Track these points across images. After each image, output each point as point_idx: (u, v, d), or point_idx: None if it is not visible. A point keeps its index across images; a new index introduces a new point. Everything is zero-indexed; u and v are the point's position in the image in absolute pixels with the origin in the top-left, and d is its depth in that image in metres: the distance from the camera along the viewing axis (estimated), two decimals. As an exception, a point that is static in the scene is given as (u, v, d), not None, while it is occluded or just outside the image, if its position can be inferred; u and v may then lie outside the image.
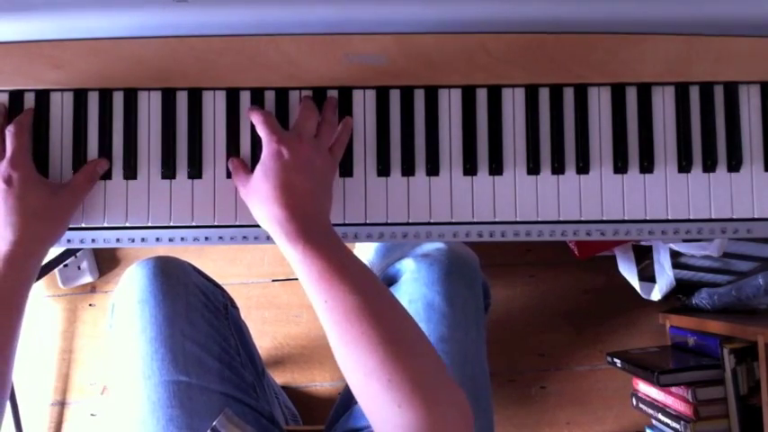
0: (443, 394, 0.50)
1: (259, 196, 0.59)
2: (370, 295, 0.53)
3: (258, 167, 0.60)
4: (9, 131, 0.62)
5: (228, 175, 0.65)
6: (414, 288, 0.73)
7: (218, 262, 1.25)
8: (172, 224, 0.64)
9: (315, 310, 0.55)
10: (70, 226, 0.64)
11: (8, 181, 0.59)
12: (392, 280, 0.79)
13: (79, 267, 1.23)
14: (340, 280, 0.53)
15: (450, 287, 0.72)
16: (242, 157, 0.65)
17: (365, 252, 1.06)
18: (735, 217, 0.65)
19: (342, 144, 0.64)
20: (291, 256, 0.56)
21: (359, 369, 0.51)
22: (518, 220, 0.65)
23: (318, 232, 0.57)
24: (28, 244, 0.59)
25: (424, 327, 0.69)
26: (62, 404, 1.25)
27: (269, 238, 0.65)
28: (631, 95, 0.66)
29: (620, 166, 0.65)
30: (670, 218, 0.65)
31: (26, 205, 0.59)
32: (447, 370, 0.52)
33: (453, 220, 0.65)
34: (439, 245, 0.76)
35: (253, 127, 0.64)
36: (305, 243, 0.55)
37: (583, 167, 0.65)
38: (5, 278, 0.58)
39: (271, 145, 0.59)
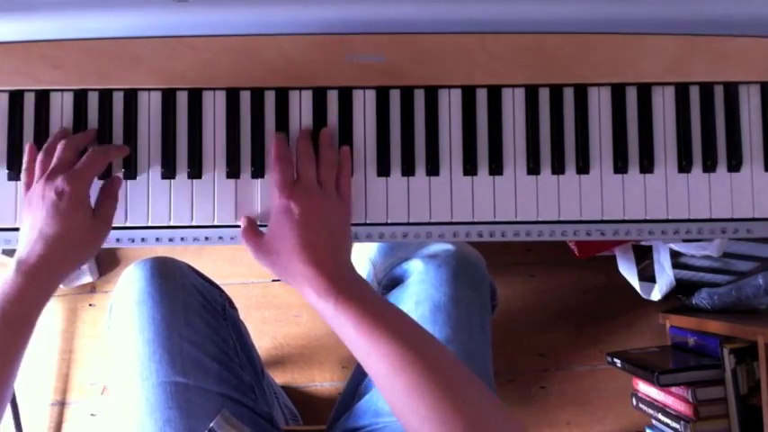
0: (499, 429, 0.49)
1: (278, 257, 0.58)
2: (412, 341, 0.52)
3: (271, 228, 0.59)
4: (92, 150, 0.60)
5: (229, 176, 0.64)
6: (421, 289, 0.73)
7: (218, 262, 1.25)
8: (172, 224, 0.64)
9: (358, 361, 0.54)
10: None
11: (59, 194, 0.57)
12: (399, 280, 0.79)
13: (79, 267, 1.23)
14: (378, 330, 0.52)
15: (457, 289, 0.72)
16: (242, 158, 0.65)
17: (367, 251, 1.06)
18: (735, 217, 0.65)
19: (346, 176, 0.63)
20: (324, 311, 0.55)
21: (412, 416, 0.50)
22: (518, 220, 0.65)
23: (346, 283, 0.56)
24: (54, 265, 0.57)
25: (430, 328, 0.69)
26: (62, 404, 1.25)
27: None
28: (631, 95, 0.66)
29: (620, 166, 0.65)
30: (670, 218, 0.65)
31: (66, 225, 0.56)
32: (501, 404, 0.51)
33: (453, 220, 0.65)
34: (446, 246, 0.76)
35: (253, 127, 0.65)
36: (336, 297, 0.54)
37: (583, 167, 0.65)
38: (25, 295, 0.55)
39: (281, 202, 0.59)
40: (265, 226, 0.63)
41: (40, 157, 0.61)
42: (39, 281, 0.56)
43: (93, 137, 0.64)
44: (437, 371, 0.50)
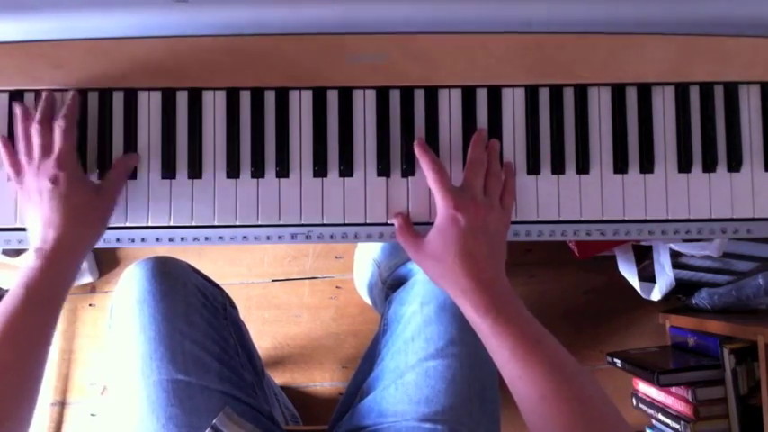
0: None
1: (439, 264, 0.58)
2: (567, 375, 0.52)
3: (435, 233, 0.59)
4: (59, 126, 0.60)
5: (228, 176, 0.64)
6: (426, 290, 0.72)
7: (218, 262, 1.25)
8: (172, 224, 0.64)
9: (504, 379, 0.54)
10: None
11: (54, 180, 0.58)
12: (403, 280, 0.79)
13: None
14: (534, 357, 0.52)
15: None
16: (242, 158, 0.65)
17: (372, 251, 1.06)
18: (735, 217, 0.65)
19: (511, 190, 0.63)
20: (479, 327, 0.56)
21: None
22: (518, 220, 0.65)
23: (506, 302, 0.56)
24: (71, 245, 0.58)
25: (436, 328, 0.69)
26: (62, 404, 1.25)
27: (269, 238, 0.65)
28: (631, 95, 0.66)
29: (621, 166, 0.65)
30: (670, 218, 0.65)
31: (71, 206, 0.58)
32: None
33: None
34: None
35: (253, 127, 0.65)
36: (495, 316, 0.54)
37: (583, 167, 0.65)
38: (48, 279, 0.56)
39: (447, 211, 0.58)
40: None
41: (21, 148, 0.61)
42: (58, 262, 0.57)
43: (50, 102, 0.63)
44: (588, 408, 0.50)
